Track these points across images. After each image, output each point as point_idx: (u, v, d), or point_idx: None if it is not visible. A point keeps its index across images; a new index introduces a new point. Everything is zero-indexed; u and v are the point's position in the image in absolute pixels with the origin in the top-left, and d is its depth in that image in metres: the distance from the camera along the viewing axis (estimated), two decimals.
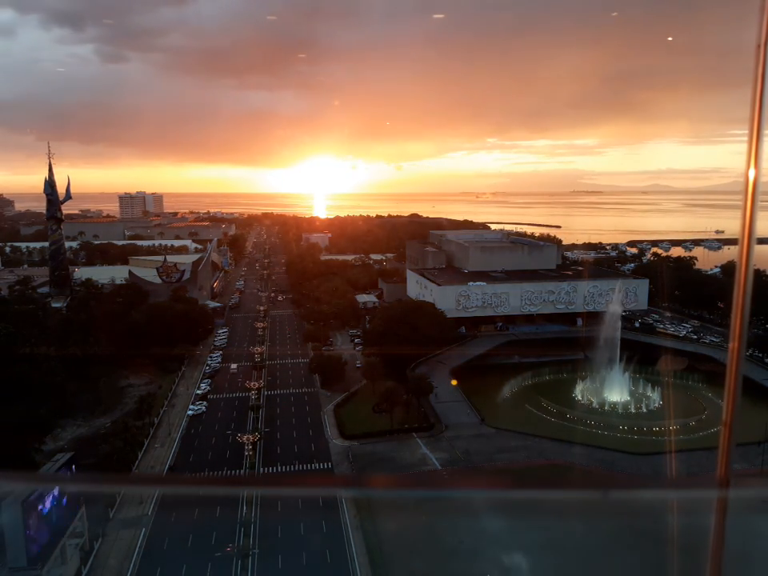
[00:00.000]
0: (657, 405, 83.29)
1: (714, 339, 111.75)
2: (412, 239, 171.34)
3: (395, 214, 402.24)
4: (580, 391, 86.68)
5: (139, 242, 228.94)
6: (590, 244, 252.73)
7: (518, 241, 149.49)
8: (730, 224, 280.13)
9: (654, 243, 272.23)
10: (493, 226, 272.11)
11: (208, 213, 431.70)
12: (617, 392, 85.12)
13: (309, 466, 65.98)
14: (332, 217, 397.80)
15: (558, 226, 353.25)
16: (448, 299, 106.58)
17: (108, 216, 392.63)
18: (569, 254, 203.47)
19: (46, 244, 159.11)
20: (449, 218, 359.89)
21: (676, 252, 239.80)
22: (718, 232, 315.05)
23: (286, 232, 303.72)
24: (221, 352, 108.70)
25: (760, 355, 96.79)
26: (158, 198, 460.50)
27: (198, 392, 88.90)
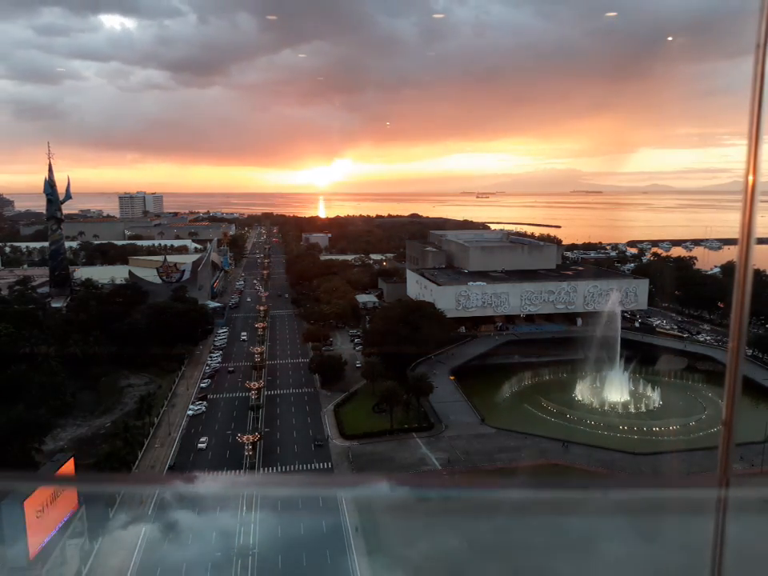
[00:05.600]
0: (657, 405, 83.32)
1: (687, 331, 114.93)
2: (412, 239, 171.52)
3: (395, 214, 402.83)
4: (580, 391, 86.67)
5: (139, 242, 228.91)
6: (589, 244, 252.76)
7: (517, 241, 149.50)
8: (720, 224, 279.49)
9: (654, 243, 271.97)
10: (493, 226, 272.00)
11: (207, 213, 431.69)
12: (617, 392, 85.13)
13: (309, 465, 65.99)
14: (332, 217, 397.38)
15: (558, 226, 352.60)
16: (448, 299, 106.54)
17: (108, 216, 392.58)
18: (569, 253, 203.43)
19: (46, 244, 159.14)
20: (449, 217, 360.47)
21: (676, 252, 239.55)
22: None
23: (286, 232, 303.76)
24: (221, 352, 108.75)
25: (760, 355, 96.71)
26: (157, 198, 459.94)
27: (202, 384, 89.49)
